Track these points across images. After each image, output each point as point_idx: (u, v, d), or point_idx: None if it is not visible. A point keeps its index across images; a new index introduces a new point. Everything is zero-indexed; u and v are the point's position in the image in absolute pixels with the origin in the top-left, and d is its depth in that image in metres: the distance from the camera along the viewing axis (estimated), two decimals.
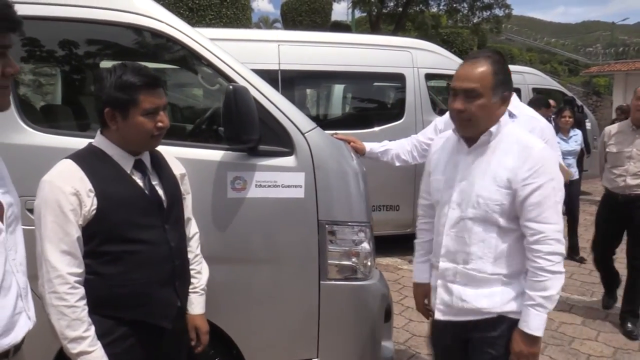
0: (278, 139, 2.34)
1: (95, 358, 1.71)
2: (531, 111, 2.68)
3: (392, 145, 3.17)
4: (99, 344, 1.74)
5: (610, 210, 4.51)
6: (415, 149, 3.15)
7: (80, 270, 1.75)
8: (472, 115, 1.95)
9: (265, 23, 42.87)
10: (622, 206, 4.37)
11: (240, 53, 2.84)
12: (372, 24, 25.26)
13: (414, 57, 6.17)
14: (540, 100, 5.89)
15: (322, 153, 2.39)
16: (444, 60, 6.34)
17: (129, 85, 1.77)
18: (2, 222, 1.33)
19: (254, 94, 2.26)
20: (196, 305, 2.09)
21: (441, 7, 26.54)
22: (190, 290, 2.08)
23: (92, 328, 1.74)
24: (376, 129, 5.90)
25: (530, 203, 1.90)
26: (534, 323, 1.92)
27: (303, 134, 2.36)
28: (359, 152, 2.99)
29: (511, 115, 2.42)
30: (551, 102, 6.51)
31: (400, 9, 24.86)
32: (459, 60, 7.20)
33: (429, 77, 6.28)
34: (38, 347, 1.74)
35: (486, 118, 1.96)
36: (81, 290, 1.73)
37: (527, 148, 1.94)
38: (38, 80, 3.61)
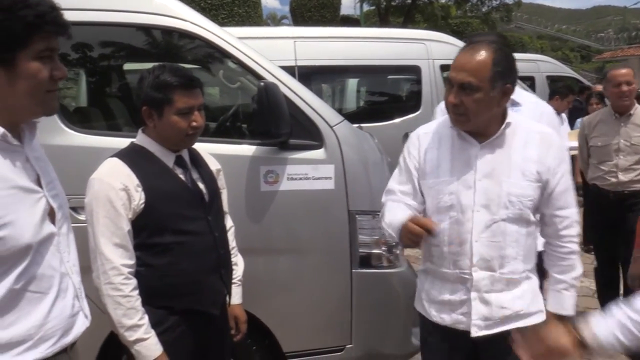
0: (307, 133, 2.42)
1: (150, 344, 1.81)
2: (534, 97, 2.63)
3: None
4: (153, 332, 1.83)
5: (600, 211, 4.01)
6: None
7: (132, 261, 1.84)
8: (467, 110, 1.80)
9: (274, 20, 42.94)
10: (614, 205, 3.84)
11: (257, 50, 2.92)
12: (381, 17, 25.25)
13: (428, 49, 6.20)
14: (565, 89, 5.81)
15: (350, 145, 2.47)
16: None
17: (165, 84, 1.85)
18: (54, 225, 1.37)
19: (283, 89, 2.33)
20: (234, 295, 2.18)
21: None
22: None
23: (146, 317, 1.83)
24: (395, 121, 5.96)
25: (560, 191, 1.88)
26: (569, 304, 1.92)
27: (331, 127, 2.44)
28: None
29: (515, 103, 2.37)
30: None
31: (409, 0, 24.82)
32: None
33: (444, 68, 6.31)
34: (86, 338, 1.84)
35: (483, 113, 1.81)
36: (134, 281, 1.83)
37: (546, 136, 1.90)
38: (69, 83, 3.71)
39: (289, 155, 2.41)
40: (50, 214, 1.35)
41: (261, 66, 2.42)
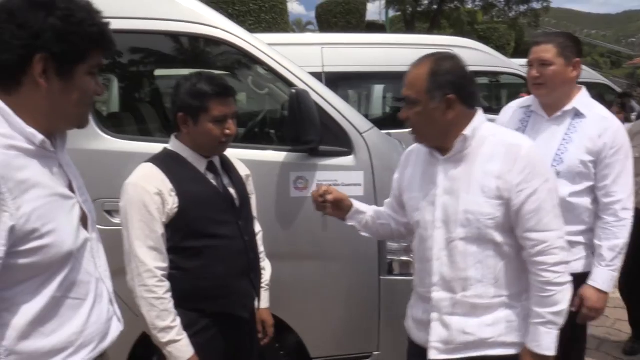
0: (337, 140, 2.44)
1: (182, 346, 1.85)
2: (604, 111, 2.34)
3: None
4: (185, 334, 1.87)
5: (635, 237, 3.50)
6: None
7: (165, 264, 1.88)
8: (413, 124, 1.77)
9: (299, 26, 43.16)
10: None
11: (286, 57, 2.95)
12: (407, 23, 25.19)
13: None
14: (598, 98, 5.55)
15: (379, 152, 2.48)
16: (487, 58, 6.32)
17: (202, 93, 1.90)
18: (87, 231, 1.39)
19: (314, 97, 2.35)
20: (262, 299, 2.20)
21: (477, 3, 26.28)
22: None
23: (178, 319, 1.87)
24: None
25: (527, 211, 1.69)
26: (546, 342, 1.72)
27: (361, 134, 2.45)
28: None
29: (579, 114, 2.28)
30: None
31: (435, 6, 24.72)
32: (502, 57, 7.17)
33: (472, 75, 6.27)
34: (117, 340, 1.87)
35: (427, 126, 1.75)
36: (167, 283, 1.87)
37: (513, 148, 1.71)
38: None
39: (318, 161, 2.43)
40: (83, 220, 1.37)
41: (292, 73, 2.45)
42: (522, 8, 26.23)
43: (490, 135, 1.76)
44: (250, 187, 2.22)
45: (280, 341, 2.51)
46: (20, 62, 1.19)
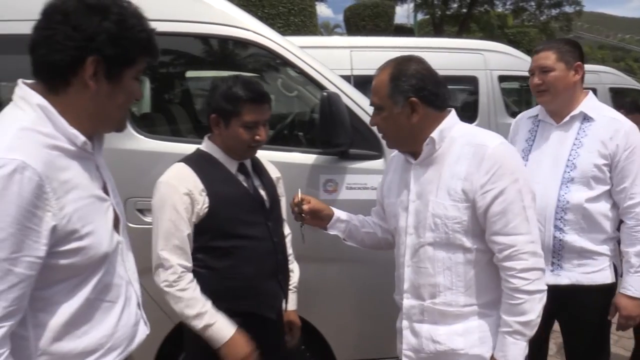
0: (367, 143, 2.43)
1: (219, 327, 1.87)
2: (612, 112, 2.33)
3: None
4: (219, 315, 1.89)
5: None
6: None
7: (189, 264, 1.91)
8: (382, 130, 1.78)
9: (326, 28, 43.19)
10: None
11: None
12: (435, 26, 25.02)
13: (486, 60, 6.12)
14: (633, 105, 5.23)
15: None
16: (517, 62, 6.24)
17: (235, 97, 1.91)
18: (119, 233, 1.41)
19: (344, 100, 2.35)
20: (290, 301, 2.21)
21: (507, 7, 25.98)
22: None
23: (209, 303, 1.89)
24: None
25: (494, 213, 1.62)
26: (512, 353, 1.64)
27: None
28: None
29: (587, 118, 2.25)
30: None
31: (464, 10, 24.52)
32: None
33: (502, 79, 6.21)
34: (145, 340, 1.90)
35: (395, 131, 1.74)
36: (190, 275, 1.90)
37: (480, 148, 1.65)
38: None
39: (348, 164, 2.43)
40: (115, 222, 1.38)
41: (324, 76, 2.45)
42: (554, 12, 25.86)
43: (460, 136, 1.71)
44: (281, 190, 2.23)
45: (307, 343, 2.51)
46: (72, 63, 1.21)
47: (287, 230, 2.26)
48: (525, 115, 2.54)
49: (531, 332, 1.65)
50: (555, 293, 1.98)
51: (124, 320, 1.38)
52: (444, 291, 1.71)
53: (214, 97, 1.95)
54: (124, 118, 1.38)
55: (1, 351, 1.11)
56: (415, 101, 1.68)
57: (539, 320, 1.66)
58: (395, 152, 1.96)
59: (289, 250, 2.24)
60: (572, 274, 2.24)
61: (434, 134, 1.70)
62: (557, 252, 2.25)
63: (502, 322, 1.67)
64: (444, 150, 1.71)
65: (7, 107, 1.25)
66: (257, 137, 1.95)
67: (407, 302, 1.81)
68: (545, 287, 1.67)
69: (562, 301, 2.21)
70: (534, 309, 1.63)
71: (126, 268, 1.43)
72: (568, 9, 25.69)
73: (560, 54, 2.27)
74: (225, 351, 1.87)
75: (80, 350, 1.28)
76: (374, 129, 2.36)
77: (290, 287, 2.21)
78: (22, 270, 1.12)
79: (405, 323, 1.83)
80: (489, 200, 1.62)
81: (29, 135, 1.16)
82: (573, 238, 2.22)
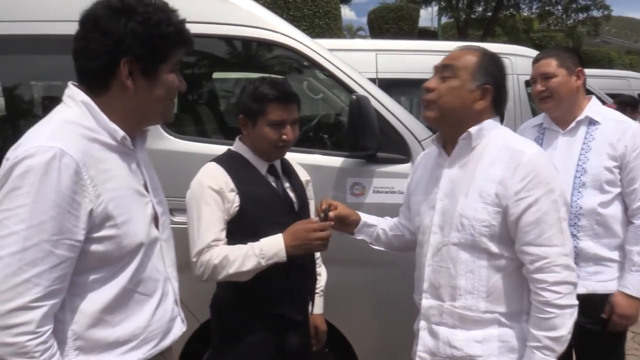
0: (395, 147, 2.43)
1: (271, 246, 1.86)
2: (618, 115, 2.35)
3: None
4: (261, 241, 1.87)
5: None
6: None
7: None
8: (439, 98, 1.68)
9: (349, 31, 43.20)
10: None
11: None
12: (460, 30, 24.85)
13: (512, 64, 6.03)
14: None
15: None
16: None
17: (262, 96, 1.93)
18: (158, 230, 1.43)
19: (373, 103, 2.35)
20: (316, 304, 2.21)
21: (533, 11, 25.70)
22: None
23: (249, 245, 1.88)
24: None
25: (527, 222, 1.57)
26: None
27: (419, 142, 2.43)
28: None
29: (593, 122, 2.26)
30: None
31: (489, 13, 24.31)
32: None
33: (528, 83, 6.11)
34: None
35: (456, 106, 1.66)
36: (223, 243, 1.92)
37: (518, 153, 1.61)
38: None
39: (376, 168, 2.42)
40: (154, 219, 1.42)
41: (353, 79, 2.45)
42: (581, 16, 25.49)
43: (498, 139, 1.68)
44: (310, 193, 2.23)
45: (330, 346, 2.51)
46: (108, 67, 1.26)
47: None
48: (529, 124, 2.54)
49: (561, 348, 1.60)
50: None
51: (159, 314, 1.41)
52: (465, 294, 1.67)
53: (242, 98, 1.98)
54: (170, 109, 1.42)
55: (45, 329, 1.17)
56: (490, 90, 1.67)
57: (569, 336, 1.60)
58: (428, 149, 1.93)
59: (317, 254, 2.24)
60: (587, 283, 2.22)
61: (473, 130, 1.66)
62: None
63: (530, 337, 1.61)
64: (480, 150, 1.67)
65: (58, 105, 1.32)
66: (284, 137, 1.95)
67: (426, 302, 1.77)
68: (577, 302, 1.62)
69: (578, 310, 2.17)
70: (565, 324, 1.58)
71: (165, 264, 1.46)
72: (596, 13, 25.32)
73: (561, 61, 2.30)
74: (292, 250, 1.86)
75: (114, 339, 1.31)
76: (401, 131, 2.41)
77: (317, 290, 2.21)
78: (63, 252, 1.18)
79: (422, 324, 1.79)
80: (522, 208, 1.58)
81: (70, 127, 1.24)
82: (587, 244, 2.22)
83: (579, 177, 2.22)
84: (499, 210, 1.61)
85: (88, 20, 1.28)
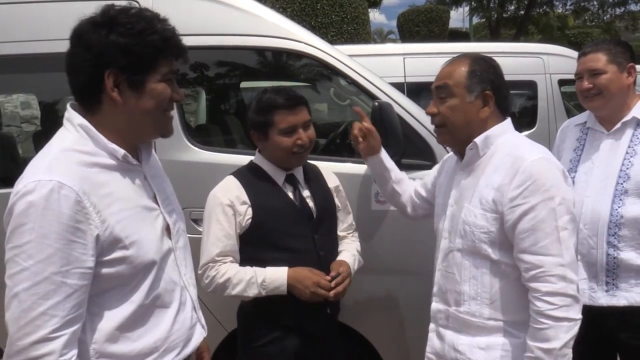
0: (420, 153, 2.40)
1: (272, 279, 1.89)
2: None
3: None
4: (266, 270, 1.91)
5: None
6: None
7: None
8: (444, 120, 1.70)
9: (380, 35, 43.07)
10: None
11: (367, 68, 2.94)
12: (492, 30, 24.46)
13: (545, 63, 5.90)
14: None
15: None
16: None
17: (266, 107, 1.94)
18: (171, 240, 1.44)
19: (396, 109, 2.33)
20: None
21: (568, 7, 25.07)
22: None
23: (248, 268, 1.92)
24: None
25: (522, 229, 1.55)
26: None
27: (445, 147, 2.38)
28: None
29: None
30: None
31: (522, 12, 23.84)
32: None
33: (562, 83, 5.96)
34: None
35: (462, 123, 1.68)
36: (229, 260, 1.95)
37: (518, 160, 1.59)
38: (190, 102, 3.97)
39: None
40: (167, 229, 1.43)
41: (375, 85, 2.43)
42: (618, 11, 24.73)
43: (505, 145, 1.66)
44: (341, 200, 2.21)
45: (357, 354, 2.49)
46: (93, 81, 1.26)
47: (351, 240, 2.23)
48: (572, 122, 2.38)
49: None
50: (612, 314, 1.85)
51: (178, 324, 1.42)
52: (469, 300, 1.67)
53: (249, 115, 1.99)
54: (163, 122, 1.38)
55: (68, 356, 1.19)
56: (491, 95, 1.66)
57: (567, 351, 1.53)
58: (450, 153, 1.94)
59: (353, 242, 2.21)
60: (629, 295, 2.05)
61: (478, 140, 1.67)
62: (612, 271, 2.06)
63: (527, 347, 1.57)
64: (487, 158, 1.68)
65: (60, 129, 1.33)
66: (299, 142, 1.94)
67: (435, 305, 1.81)
68: (578, 317, 1.55)
69: (620, 322, 2.06)
70: (559, 337, 1.51)
71: (181, 273, 1.47)
72: (633, 7, 24.51)
73: (612, 56, 2.11)
74: (291, 289, 1.88)
75: (136, 353, 1.33)
76: (426, 136, 2.37)
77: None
78: (75, 281, 1.19)
79: (432, 326, 1.82)
80: (517, 215, 1.56)
81: (67, 156, 1.24)
82: (629, 256, 2.04)
83: (621, 184, 2.05)
84: (496, 216, 1.60)
85: (74, 36, 1.29)
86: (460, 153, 1.77)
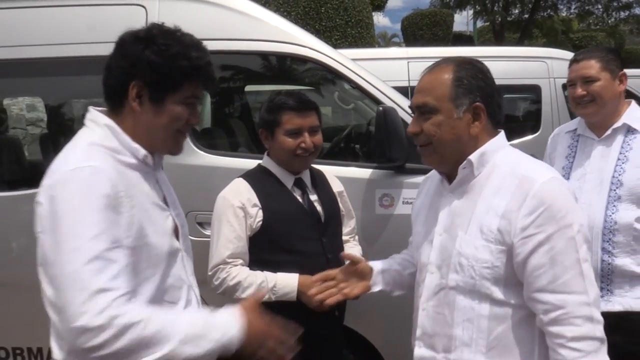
0: None
1: (282, 285, 1.91)
2: None
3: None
4: (277, 275, 1.93)
5: None
6: None
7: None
8: (428, 139, 1.43)
9: (384, 38, 43.09)
10: None
11: (371, 71, 2.96)
12: (496, 33, 24.47)
13: (549, 67, 5.91)
14: None
15: None
16: None
17: (277, 106, 1.98)
18: (179, 242, 1.49)
19: (400, 113, 2.34)
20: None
21: (572, 11, 25.07)
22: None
23: (258, 272, 1.94)
24: (512, 142, 5.70)
25: (537, 264, 1.30)
26: None
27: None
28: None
29: (632, 130, 2.10)
30: None
31: (526, 15, 23.86)
32: None
33: (566, 87, 5.97)
34: None
35: (451, 142, 1.42)
36: (238, 263, 1.96)
37: (526, 181, 1.34)
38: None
39: (404, 179, 2.41)
40: (175, 232, 1.47)
41: (379, 90, 2.45)
42: (623, 14, 24.71)
43: (504, 163, 1.42)
44: (345, 204, 2.22)
45: (360, 355, 2.50)
46: (120, 86, 1.36)
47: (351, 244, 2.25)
48: (563, 129, 2.39)
49: None
50: (607, 319, 1.84)
51: None
52: (461, 346, 1.41)
53: (260, 113, 2.04)
54: (176, 142, 1.43)
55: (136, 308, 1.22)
56: (481, 107, 1.41)
57: None
58: (428, 174, 1.71)
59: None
60: (624, 300, 2.07)
61: (473, 157, 1.42)
62: (607, 277, 2.08)
63: None
64: (483, 178, 1.42)
65: (80, 130, 1.40)
66: (303, 145, 1.96)
67: (419, 351, 1.52)
68: (605, 358, 1.34)
69: (615, 327, 2.05)
70: None
71: (187, 273, 1.52)
72: (638, 10, 24.51)
73: (605, 63, 2.13)
74: (304, 298, 1.87)
75: None
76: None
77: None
78: (123, 258, 1.23)
79: None
80: (531, 247, 1.31)
81: (97, 149, 1.32)
82: (624, 262, 2.05)
83: (614, 190, 2.07)
84: (502, 249, 1.35)
85: (118, 42, 1.40)
86: (448, 174, 1.51)
